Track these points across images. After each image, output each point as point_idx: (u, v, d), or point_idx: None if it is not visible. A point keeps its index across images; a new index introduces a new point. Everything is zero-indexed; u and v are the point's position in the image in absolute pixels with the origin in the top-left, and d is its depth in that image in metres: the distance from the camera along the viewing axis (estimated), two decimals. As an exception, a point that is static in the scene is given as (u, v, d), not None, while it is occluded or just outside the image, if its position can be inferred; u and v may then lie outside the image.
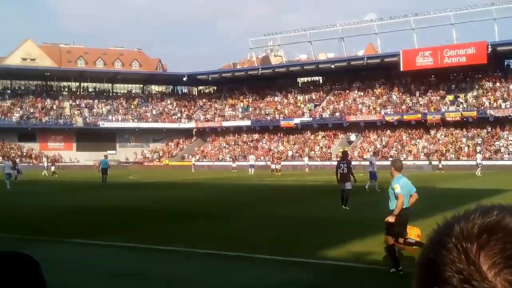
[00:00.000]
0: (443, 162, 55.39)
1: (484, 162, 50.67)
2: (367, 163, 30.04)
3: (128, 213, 17.82)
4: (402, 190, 8.83)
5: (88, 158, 74.71)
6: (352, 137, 72.87)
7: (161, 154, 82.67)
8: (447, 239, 0.71)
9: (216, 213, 17.60)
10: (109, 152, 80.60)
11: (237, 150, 77.02)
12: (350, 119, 72.21)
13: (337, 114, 74.74)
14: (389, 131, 70.26)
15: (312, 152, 70.98)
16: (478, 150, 58.21)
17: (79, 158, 79.17)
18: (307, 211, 17.81)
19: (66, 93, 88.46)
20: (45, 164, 56.87)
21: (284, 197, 23.97)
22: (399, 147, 66.86)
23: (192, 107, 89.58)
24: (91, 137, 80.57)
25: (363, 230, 13.04)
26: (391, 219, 8.82)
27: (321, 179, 39.04)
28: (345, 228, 13.82)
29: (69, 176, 47.89)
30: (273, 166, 51.69)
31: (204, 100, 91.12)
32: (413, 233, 9.40)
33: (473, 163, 49.93)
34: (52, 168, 53.14)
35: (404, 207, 8.83)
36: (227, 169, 62.13)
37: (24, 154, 77.49)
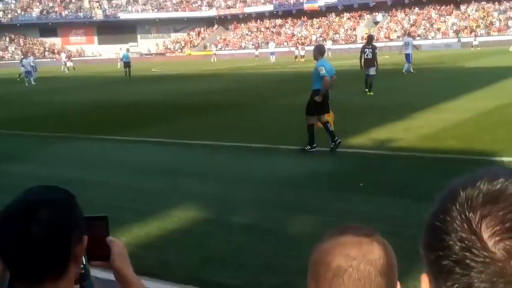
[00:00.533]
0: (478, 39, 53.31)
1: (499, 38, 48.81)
2: (399, 43, 29.89)
3: (153, 108, 17.98)
4: (326, 72, 9.59)
5: (111, 51, 74.48)
6: (379, 17, 70.47)
7: (183, 45, 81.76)
8: (451, 207, 0.73)
9: (239, 104, 17.61)
10: (130, 44, 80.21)
11: (260, 37, 75.56)
12: (376, -1, 69.51)
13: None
14: (417, 8, 67.62)
15: (337, 35, 69.21)
16: (510, 25, 55.96)
17: (101, 52, 78.93)
18: (331, 98, 17.66)
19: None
20: (63, 60, 56.37)
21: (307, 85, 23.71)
22: (428, 25, 64.63)
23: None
24: (112, 29, 79.76)
25: (387, 116, 12.96)
26: (318, 98, 9.72)
27: (346, 64, 38.34)
28: (370, 115, 13.73)
29: (92, 71, 48.10)
30: (296, 52, 50.67)
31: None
32: (330, 119, 10.00)
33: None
34: (68, 64, 52.33)
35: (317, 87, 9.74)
36: (250, 57, 61.39)
37: (47, 49, 77.52)
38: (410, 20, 67.03)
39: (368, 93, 18.27)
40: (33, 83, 33.58)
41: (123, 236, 5.80)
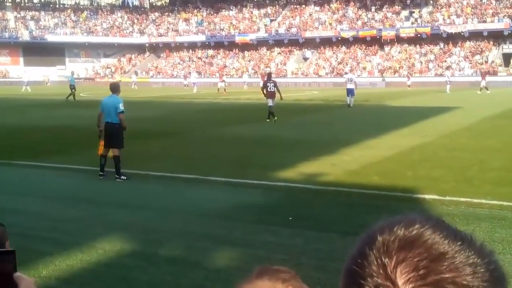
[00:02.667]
0: (412, 79, 55.39)
1: (435, 79, 51.42)
2: (343, 80, 31.60)
3: (76, 134, 17.46)
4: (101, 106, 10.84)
5: (38, 74, 72.10)
6: (308, 53, 72.49)
7: (113, 70, 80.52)
8: (368, 251, 0.73)
9: (167, 133, 17.47)
10: (58, 67, 78.19)
11: (192, 67, 75.71)
12: (306, 35, 71.48)
13: (293, 29, 73.74)
14: (344, 47, 70.12)
15: (268, 69, 70.46)
16: (430, 67, 59.01)
17: (27, 74, 76.18)
18: (258, 131, 17.91)
19: (10, 4, 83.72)
20: None
21: (233, 117, 23.89)
22: (354, 63, 67.10)
23: (144, 21, 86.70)
24: (39, 51, 77.25)
25: (315, 150, 13.22)
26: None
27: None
28: (298, 148, 13.98)
29: (16, 93, 46.37)
30: (220, 84, 48.76)
31: (156, 13, 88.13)
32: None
33: (442, 79, 50.12)
34: None
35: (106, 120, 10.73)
36: (181, 86, 61.22)
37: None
38: (337, 58, 69.35)
39: (268, 120, 20.89)
40: None
41: (43, 269, 5.55)
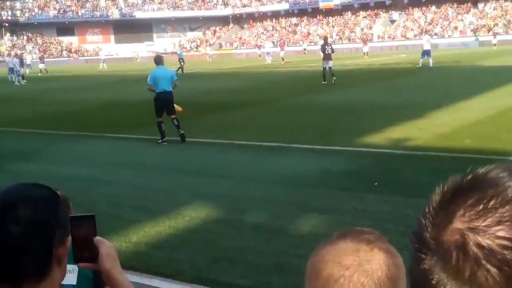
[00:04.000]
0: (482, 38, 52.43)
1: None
2: (419, 42, 33.44)
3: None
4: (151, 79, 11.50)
5: (127, 50, 74.87)
6: (395, 15, 69.95)
7: (198, 43, 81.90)
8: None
9: (252, 103, 17.53)
10: (146, 43, 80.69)
11: (276, 36, 75.39)
12: (392, -4, 68.97)
13: (380, -10, 71.26)
14: (434, 6, 66.98)
15: (353, 34, 68.82)
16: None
17: (118, 51, 79.32)
18: (342, 98, 17.57)
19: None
20: (102, 58, 56.39)
21: (313, 84, 23.55)
22: (445, 23, 64.01)
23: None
24: (128, 28, 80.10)
25: (402, 115, 12.80)
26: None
27: (364, 63, 38.07)
28: (384, 113, 13.57)
29: (121, 70, 48.19)
30: (281, 54, 47.41)
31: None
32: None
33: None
34: (41, 66, 46.92)
35: (158, 91, 11.45)
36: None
37: (64, 48, 78.05)
38: (426, 19, 66.43)
39: (324, 83, 22.39)
40: (16, 83, 33.75)
41: (134, 235, 5.77)
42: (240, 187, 7.68)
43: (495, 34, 52.44)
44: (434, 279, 0.64)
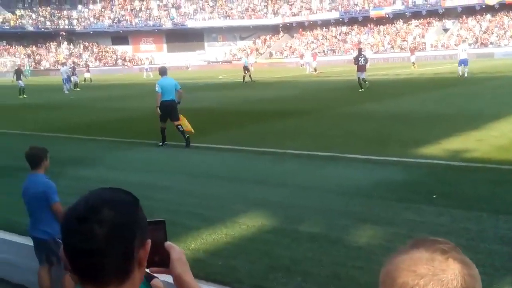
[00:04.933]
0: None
1: None
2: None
3: (218, 114, 18.16)
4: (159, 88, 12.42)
5: (179, 59, 76.16)
6: (448, 24, 68.53)
7: (249, 52, 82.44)
8: None
9: (304, 112, 17.50)
10: (198, 52, 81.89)
11: (326, 45, 75.10)
12: (446, 5, 67.61)
13: (432, 0, 70.03)
14: (489, 15, 65.28)
15: (405, 43, 67.82)
16: None
17: (170, 59, 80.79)
18: (395, 107, 17.32)
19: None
20: (146, 67, 56.65)
21: (364, 94, 23.33)
22: (501, 32, 62.26)
23: (278, 1, 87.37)
24: (180, 37, 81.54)
25: (459, 125, 12.54)
26: (156, 111, 12.54)
27: (415, 72, 37.40)
28: (440, 124, 13.31)
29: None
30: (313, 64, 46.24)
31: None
32: (183, 122, 12.56)
33: None
34: (86, 75, 46.45)
35: (163, 99, 12.37)
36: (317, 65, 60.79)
37: (119, 57, 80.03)
38: (481, 27, 64.80)
39: (361, 90, 23.28)
40: (65, 91, 33.87)
41: (192, 242, 5.85)
42: (294, 197, 7.68)
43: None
44: None
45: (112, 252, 1.22)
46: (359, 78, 23.86)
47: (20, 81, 32.83)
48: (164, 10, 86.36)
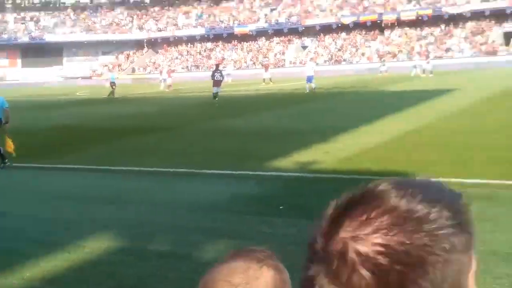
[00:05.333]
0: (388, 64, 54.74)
1: (436, 62, 50.53)
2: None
3: (74, 132, 17.44)
4: None
5: (35, 75, 72.17)
6: (307, 42, 72.15)
7: (111, 68, 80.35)
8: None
9: (161, 128, 17.40)
10: (55, 67, 78.06)
11: (190, 61, 75.50)
12: (306, 23, 71.11)
13: (294, 18, 73.28)
14: (344, 33, 69.75)
15: (266, 59, 70.18)
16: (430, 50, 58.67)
17: (25, 75, 76.08)
18: (253, 123, 17.83)
19: (10, 6, 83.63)
20: None
21: (229, 109, 23.84)
22: (353, 50, 66.78)
23: (144, 16, 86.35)
24: (37, 52, 77.20)
25: (308, 139, 13.14)
26: None
27: (274, 88, 38.89)
28: (291, 138, 13.89)
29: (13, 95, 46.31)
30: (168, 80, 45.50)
31: (156, 8, 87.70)
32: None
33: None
34: None
35: None
36: (177, 81, 60.89)
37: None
38: (336, 45, 69.00)
39: (217, 104, 24.66)
40: None
41: (28, 271, 5.50)
42: (146, 215, 7.54)
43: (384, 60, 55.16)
44: (317, 285, 0.68)
45: None
46: (214, 93, 25.85)
47: None
48: (22, 23, 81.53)
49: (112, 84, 38.56)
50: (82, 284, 5.20)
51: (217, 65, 29.04)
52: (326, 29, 70.37)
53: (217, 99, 25.27)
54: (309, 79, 30.49)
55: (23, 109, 28.98)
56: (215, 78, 25.96)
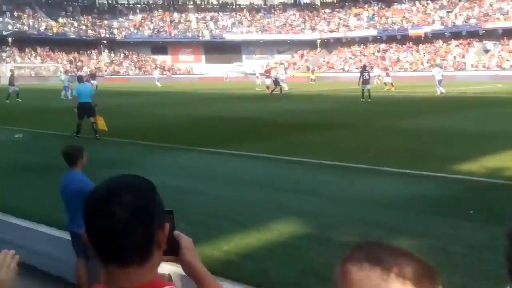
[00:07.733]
0: None
1: None
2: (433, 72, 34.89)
3: (254, 124, 18.22)
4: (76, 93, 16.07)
5: (217, 70, 76.90)
6: (489, 45, 67.38)
7: (286, 66, 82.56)
8: None
9: (341, 124, 17.45)
10: (236, 64, 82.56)
11: (364, 61, 74.68)
12: (486, 26, 66.53)
13: (472, 21, 69.05)
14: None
15: (445, 62, 66.87)
16: None
17: (208, 70, 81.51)
18: (432, 124, 17.11)
19: (192, 6, 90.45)
20: (155, 76, 57.76)
21: (407, 109, 23.13)
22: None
23: (316, 18, 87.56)
24: (218, 49, 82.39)
25: (498, 143, 12.34)
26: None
27: (453, 90, 37.01)
28: (480, 142, 13.10)
29: (208, 88, 49.57)
30: (267, 81, 41.64)
31: (327, 10, 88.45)
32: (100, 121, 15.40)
33: None
34: (92, 82, 41.11)
35: (80, 101, 15.60)
36: (353, 80, 60.37)
37: (158, 66, 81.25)
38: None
39: (362, 100, 27.64)
40: (62, 97, 34.62)
41: (225, 244, 5.89)
42: (327, 206, 7.66)
43: None
44: None
45: (133, 233, 1.26)
46: (362, 90, 28.50)
47: (13, 87, 34.40)
48: (203, 23, 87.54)
49: (276, 81, 39.30)
50: (273, 263, 5.43)
51: (364, 66, 32.77)
52: (510, 33, 65.02)
53: (367, 96, 28.03)
54: (439, 83, 32.40)
55: (213, 100, 31.05)
56: (364, 77, 29.16)
